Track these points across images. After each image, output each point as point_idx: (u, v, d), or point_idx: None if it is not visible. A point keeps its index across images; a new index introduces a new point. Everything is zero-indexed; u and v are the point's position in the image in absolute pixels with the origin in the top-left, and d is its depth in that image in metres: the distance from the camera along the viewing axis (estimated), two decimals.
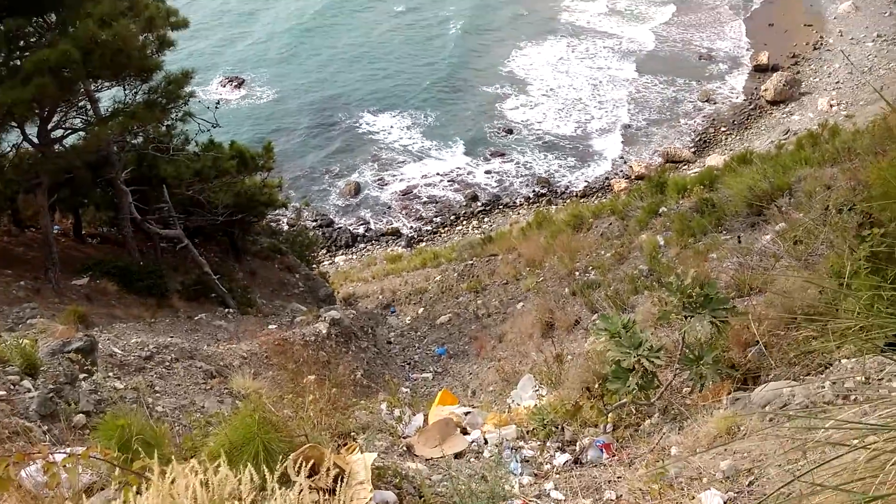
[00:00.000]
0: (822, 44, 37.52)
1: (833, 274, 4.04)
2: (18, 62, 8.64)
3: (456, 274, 18.03)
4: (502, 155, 31.53)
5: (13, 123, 9.02)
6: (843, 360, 3.22)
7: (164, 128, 12.03)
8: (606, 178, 30.05)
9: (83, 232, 14.92)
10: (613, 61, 38.78)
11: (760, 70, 36.24)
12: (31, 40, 8.86)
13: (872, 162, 5.87)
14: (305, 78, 37.54)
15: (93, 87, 9.80)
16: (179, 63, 12.80)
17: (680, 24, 42.62)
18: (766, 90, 33.73)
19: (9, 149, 9.90)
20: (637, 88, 36.07)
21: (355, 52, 40.05)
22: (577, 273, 14.03)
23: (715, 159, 29.20)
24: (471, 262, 18.44)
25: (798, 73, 35.06)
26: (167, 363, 7.47)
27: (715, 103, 34.51)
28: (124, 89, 10.09)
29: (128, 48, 8.79)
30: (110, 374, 6.70)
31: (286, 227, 24.20)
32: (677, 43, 40.45)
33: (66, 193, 11.80)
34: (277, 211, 20.14)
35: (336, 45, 41.14)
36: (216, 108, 13.43)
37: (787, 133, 29.65)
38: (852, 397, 2.87)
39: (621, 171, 30.48)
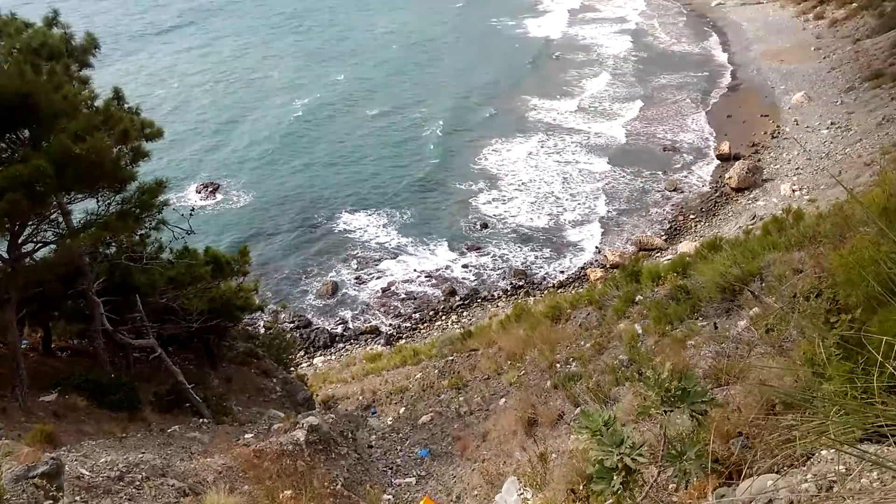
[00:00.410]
0: (779, 132, 39.12)
1: (806, 361, 4.04)
2: None
3: (437, 371, 17.79)
4: (478, 249, 31.84)
5: None
6: (823, 451, 3.18)
7: (137, 237, 12.01)
8: (582, 268, 30.35)
9: (53, 345, 14.59)
10: (582, 155, 40.02)
11: (723, 159, 37.54)
12: (3, 156, 8.93)
13: (834, 249, 6.01)
14: (282, 182, 38.13)
15: (65, 200, 9.83)
16: (156, 172, 12.96)
17: (644, 118, 44.40)
18: (730, 178, 34.81)
19: None
20: (607, 180, 37.06)
21: (332, 157, 41.02)
22: (557, 365, 13.91)
23: (686, 246, 29.72)
24: (451, 357, 18.25)
25: (759, 160, 36.35)
26: (137, 483, 7.15)
27: (682, 192, 35.46)
28: (97, 200, 10.12)
29: (102, 161, 8.89)
30: (77, 497, 6.39)
31: (263, 331, 23.88)
32: (642, 136, 41.98)
33: (36, 307, 11.61)
34: (254, 314, 19.94)
35: (313, 149, 42.15)
36: (191, 215, 13.50)
37: (753, 218, 30.38)
38: (834, 489, 2.82)
39: (596, 260, 30.84)
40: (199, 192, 36.72)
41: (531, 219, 33.91)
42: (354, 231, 33.62)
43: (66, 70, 9.40)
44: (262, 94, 50.72)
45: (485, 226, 33.37)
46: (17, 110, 8.35)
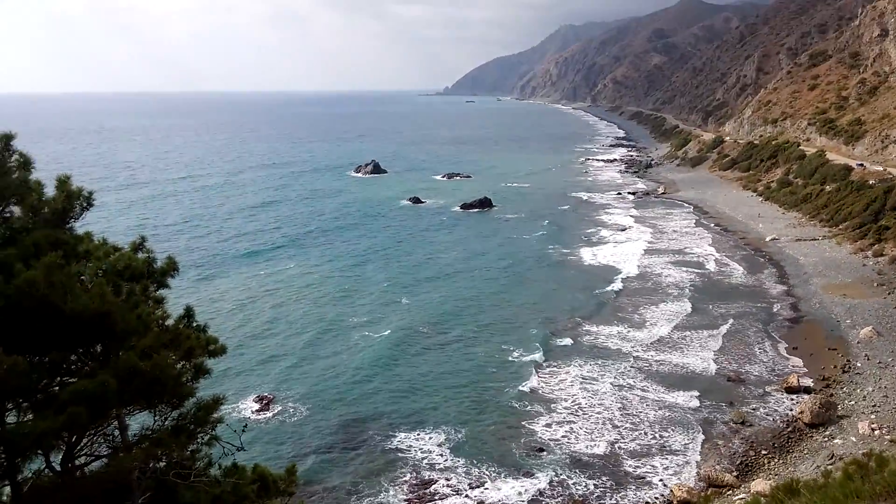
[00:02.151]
0: (850, 367, 37.70)
1: None
2: (56, 389, 8.87)
3: None
4: (533, 475, 30.23)
5: (40, 451, 8.98)
6: None
7: (188, 451, 11.87)
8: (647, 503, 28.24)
9: None
10: (641, 381, 39.01)
11: (792, 392, 36.03)
12: (73, 367, 9.21)
13: None
14: (341, 398, 38.06)
15: (124, 413, 9.92)
16: (212, 381, 13.09)
17: (706, 347, 43.61)
18: (801, 413, 33.11)
19: (30, 475, 9.70)
20: (670, 409, 35.66)
21: (394, 377, 41.08)
22: None
23: (760, 484, 27.68)
24: None
25: (832, 395, 34.70)
26: None
27: (752, 425, 33.70)
28: (154, 414, 10.18)
29: (164, 378, 9.05)
30: None
31: None
32: (706, 365, 40.86)
33: None
34: None
35: (379, 370, 42.46)
36: (244, 430, 13.35)
37: (831, 458, 28.39)
38: None
39: (661, 496, 28.74)
40: (255, 404, 36.80)
41: (589, 446, 32.41)
42: (407, 451, 32.60)
43: (145, 290, 9.94)
44: (331, 313, 52.38)
45: (541, 450, 31.98)
46: (94, 327, 8.76)
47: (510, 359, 42.69)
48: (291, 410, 36.50)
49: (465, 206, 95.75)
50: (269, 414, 36.10)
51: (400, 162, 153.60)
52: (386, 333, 47.20)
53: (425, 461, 31.64)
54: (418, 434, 34.08)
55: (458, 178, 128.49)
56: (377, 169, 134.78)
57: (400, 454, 32.27)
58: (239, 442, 13.20)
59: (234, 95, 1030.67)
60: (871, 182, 74.20)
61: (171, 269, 10.53)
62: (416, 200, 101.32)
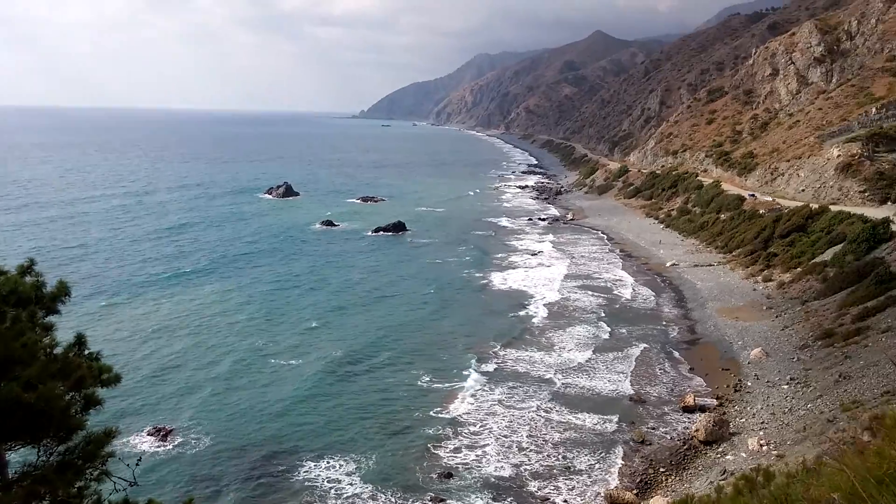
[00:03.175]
0: (741, 386, 39.81)
1: None
2: None
3: None
4: (442, 501, 30.34)
5: None
6: None
7: (75, 489, 11.37)
8: None
9: None
10: (548, 403, 39.89)
11: (689, 411, 37.68)
12: None
13: None
14: (243, 427, 37.08)
15: (5, 449, 9.45)
16: (110, 412, 12.65)
17: (610, 369, 45.08)
18: (697, 431, 34.68)
19: None
20: (574, 430, 36.61)
21: (296, 404, 40.38)
22: None
23: (658, 501, 28.82)
24: None
25: (724, 413, 36.51)
26: None
27: (651, 444, 35.01)
28: (38, 450, 9.72)
29: (51, 410, 8.72)
30: None
31: None
32: (610, 387, 42.28)
33: None
34: None
35: (279, 396, 41.65)
36: (137, 464, 12.89)
37: (723, 473, 29.79)
38: None
39: None
40: (151, 437, 35.30)
41: (497, 469, 32.84)
42: (316, 480, 32.07)
43: (32, 317, 9.54)
44: (239, 342, 51.12)
45: (449, 476, 32.15)
46: None
47: (423, 385, 42.81)
48: (193, 442, 35.26)
49: (378, 230, 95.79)
50: (168, 446, 34.73)
51: (313, 184, 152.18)
52: (297, 362, 46.44)
53: (333, 490, 31.21)
54: (328, 463, 33.60)
55: (372, 201, 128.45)
56: (289, 191, 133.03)
57: (307, 484, 31.71)
58: (132, 476, 12.76)
59: (143, 113, 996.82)
60: (761, 211, 79.01)
61: (61, 293, 10.12)
62: (330, 224, 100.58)
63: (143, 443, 34.57)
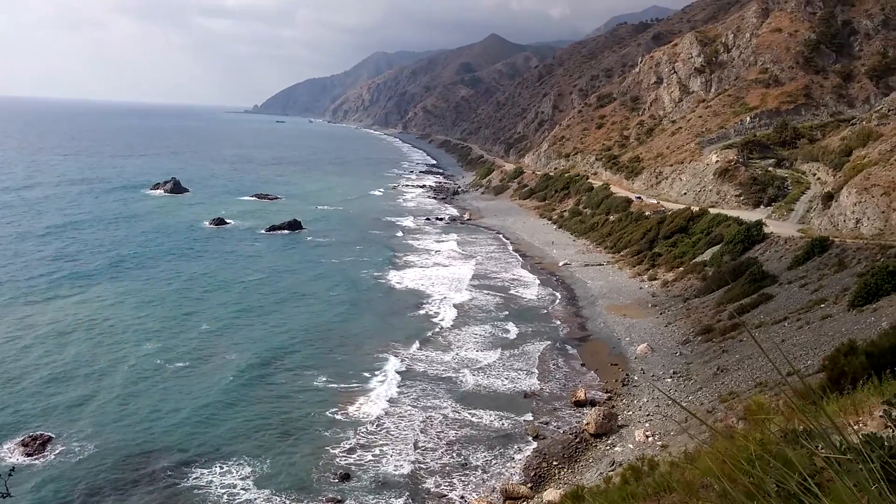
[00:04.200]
0: (629, 380, 41.68)
1: None
2: None
3: None
4: (339, 502, 30.08)
5: None
6: None
7: None
8: None
9: None
10: (446, 401, 40.31)
11: (580, 405, 39.07)
12: None
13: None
14: (130, 432, 35.36)
15: None
16: None
17: (505, 366, 46.07)
18: (588, 424, 36.00)
19: None
20: (470, 427, 37.18)
21: (187, 405, 38.96)
22: None
23: (552, 494, 29.67)
24: None
25: (613, 407, 38.11)
26: None
27: (545, 438, 36.05)
28: None
29: None
30: None
31: None
32: (504, 384, 43.20)
33: None
34: None
35: (167, 398, 40.01)
36: (10, 474, 12.07)
37: (612, 464, 31.10)
38: None
39: None
40: (26, 446, 33.05)
41: (395, 467, 32.90)
42: (209, 486, 30.99)
43: None
44: (124, 347, 48.68)
45: (346, 477, 31.92)
46: None
47: (321, 387, 42.19)
48: (77, 450, 33.26)
49: (272, 229, 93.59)
50: (50, 456, 32.62)
51: (203, 181, 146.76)
52: (190, 367, 44.59)
53: (225, 496, 30.28)
54: (222, 469, 32.53)
55: (266, 199, 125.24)
56: (178, 187, 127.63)
57: (199, 491, 30.60)
58: (4, 488, 11.97)
59: (16, 101, 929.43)
60: (647, 213, 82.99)
61: None
62: (220, 222, 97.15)
63: (15, 453, 32.32)
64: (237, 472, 32.31)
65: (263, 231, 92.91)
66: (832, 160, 73.14)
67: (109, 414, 37.41)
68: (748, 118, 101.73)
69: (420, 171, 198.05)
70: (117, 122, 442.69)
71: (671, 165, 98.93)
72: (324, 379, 43.09)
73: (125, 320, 52.92)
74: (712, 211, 73.37)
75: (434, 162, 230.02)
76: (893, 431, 5.71)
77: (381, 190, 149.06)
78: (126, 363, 44.48)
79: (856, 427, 6.61)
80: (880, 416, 6.25)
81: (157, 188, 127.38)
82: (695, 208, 76.41)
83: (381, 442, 35.37)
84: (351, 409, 39.10)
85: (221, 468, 32.56)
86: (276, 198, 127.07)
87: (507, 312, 58.37)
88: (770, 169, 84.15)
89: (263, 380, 43.10)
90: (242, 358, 46.24)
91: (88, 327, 50.95)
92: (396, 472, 32.52)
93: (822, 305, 40.51)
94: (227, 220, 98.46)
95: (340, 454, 34.06)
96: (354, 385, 42.35)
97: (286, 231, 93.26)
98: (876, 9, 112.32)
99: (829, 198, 58.73)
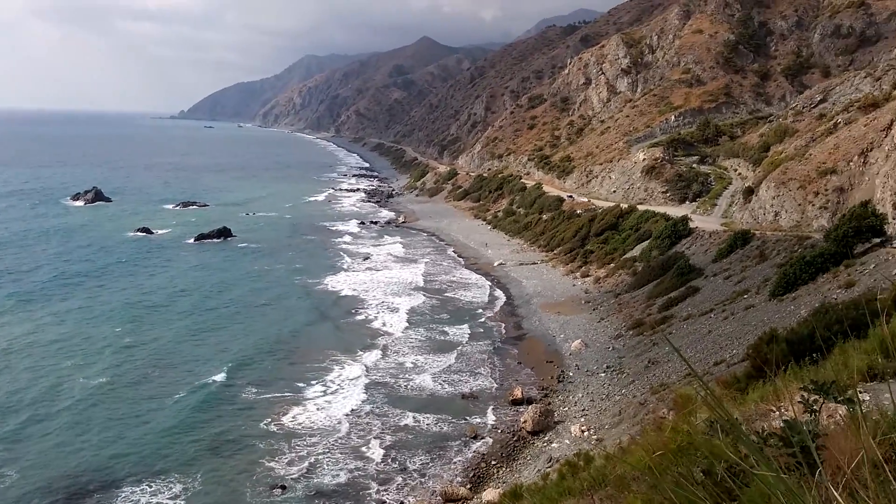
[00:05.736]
0: (564, 377, 42.08)
1: None
2: None
3: None
4: None
5: None
6: None
7: None
8: None
9: None
10: (382, 406, 39.83)
11: (517, 403, 39.19)
12: None
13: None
14: (58, 452, 33.64)
15: None
16: None
17: (443, 368, 45.86)
18: (525, 422, 36.14)
19: None
20: (408, 431, 36.82)
21: (102, 422, 37.34)
22: None
23: (490, 493, 29.56)
24: None
25: (549, 404, 38.39)
26: None
27: (483, 438, 36.01)
28: None
29: None
30: None
31: None
32: (442, 385, 43.01)
33: None
34: None
35: (90, 414, 38.25)
36: None
37: (550, 461, 31.23)
38: None
39: None
40: None
41: (333, 476, 32.26)
42: None
43: None
44: (45, 364, 46.31)
45: (282, 488, 31.10)
46: None
47: (252, 398, 41.01)
48: None
49: (201, 237, 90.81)
50: None
51: (127, 189, 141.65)
52: (115, 385, 42.64)
53: None
54: (152, 488, 31.20)
55: (194, 206, 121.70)
56: (100, 196, 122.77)
57: None
58: None
59: None
60: (578, 212, 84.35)
61: None
62: (147, 231, 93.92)
63: None
64: (167, 490, 31.09)
65: (192, 240, 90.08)
66: (752, 156, 75.95)
67: (33, 438, 35.43)
68: (673, 117, 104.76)
69: (354, 175, 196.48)
70: (36, 130, 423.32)
71: (601, 164, 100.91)
72: (255, 391, 41.85)
73: (43, 342, 49.77)
74: (641, 208, 75.09)
75: (368, 165, 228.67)
76: (810, 416, 5.71)
77: (316, 195, 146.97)
78: (48, 384, 42.10)
79: (778, 413, 6.61)
80: (798, 402, 6.21)
81: (78, 199, 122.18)
82: (624, 205, 78.06)
83: (317, 451, 34.61)
84: (286, 419, 38.15)
85: (151, 487, 31.29)
86: (205, 205, 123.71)
87: (443, 315, 58.24)
88: (694, 166, 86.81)
89: (195, 395, 41.50)
90: (171, 373, 44.59)
91: (5, 351, 47.98)
92: (334, 481, 31.89)
93: (746, 296, 41.82)
94: (154, 230, 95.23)
95: (276, 466, 33.15)
96: (288, 395, 41.35)
97: (216, 239, 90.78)
98: (790, 10, 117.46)
99: (749, 192, 60.82)
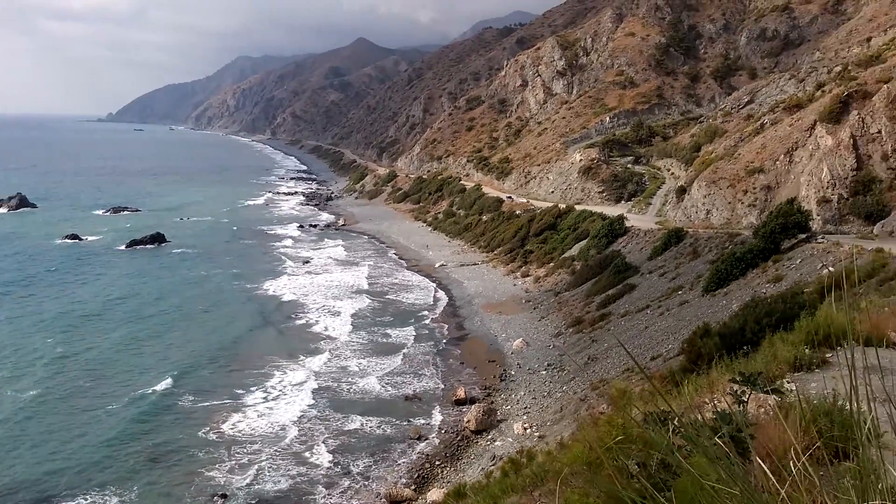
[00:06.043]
0: (506, 375, 42.51)
1: None
2: None
3: None
4: None
5: None
6: None
7: None
8: None
9: None
10: (324, 410, 39.47)
11: (461, 403, 39.40)
12: None
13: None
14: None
15: None
16: None
17: (386, 371, 45.72)
18: (468, 421, 36.36)
19: None
20: (352, 434, 36.59)
21: (42, 435, 35.87)
22: None
23: (435, 494, 29.62)
24: None
25: (492, 403, 38.72)
26: None
27: (427, 439, 36.07)
28: None
29: None
30: None
31: None
32: (385, 388, 42.86)
33: None
34: None
35: (18, 428, 36.70)
36: None
37: (493, 459, 31.52)
38: None
39: None
40: None
41: (275, 483, 31.78)
42: None
43: None
44: None
45: (223, 497, 30.48)
46: None
47: (189, 406, 40.04)
48: None
49: (133, 243, 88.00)
50: None
51: (54, 195, 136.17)
52: (46, 396, 41.00)
53: None
54: (86, 500, 30.21)
55: (125, 212, 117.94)
56: (24, 203, 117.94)
57: None
58: None
59: None
60: (518, 212, 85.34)
61: None
62: (76, 238, 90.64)
63: None
64: (103, 503, 30.10)
65: (123, 247, 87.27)
66: (683, 156, 78.27)
67: None
68: (608, 118, 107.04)
69: (293, 178, 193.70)
70: None
71: (539, 165, 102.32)
72: (195, 400, 40.90)
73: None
74: (578, 208, 76.47)
75: (306, 168, 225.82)
76: (739, 407, 5.97)
77: (254, 198, 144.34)
78: None
79: (711, 405, 6.87)
80: (728, 393, 6.50)
81: (1, 205, 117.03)
82: (562, 206, 79.32)
83: (260, 459, 34.03)
84: (226, 427, 37.39)
85: (87, 500, 30.25)
86: (136, 210, 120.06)
87: (387, 317, 58.06)
88: (629, 166, 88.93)
89: (132, 406, 40.23)
90: (108, 384, 43.17)
91: None
92: (276, 488, 31.44)
93: (680, 292, 43.08)
94: (83, 236, 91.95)
95: (216, 475, 32.46)
96: (229, 403, 40.54)
97: (149, 245, 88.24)
98: (718, 14, 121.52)
99: (682, 191, 62.67)
